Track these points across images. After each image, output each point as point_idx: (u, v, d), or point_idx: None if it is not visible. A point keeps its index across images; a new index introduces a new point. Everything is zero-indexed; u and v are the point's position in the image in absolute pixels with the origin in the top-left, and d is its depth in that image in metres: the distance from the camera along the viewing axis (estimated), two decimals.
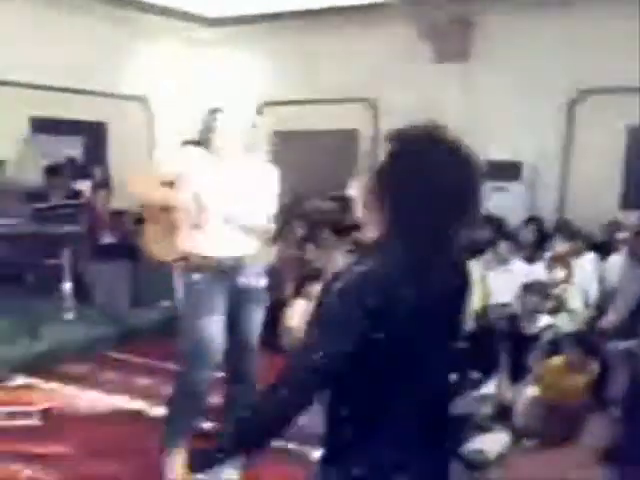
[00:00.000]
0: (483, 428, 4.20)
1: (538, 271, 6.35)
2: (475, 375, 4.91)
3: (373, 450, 1.64)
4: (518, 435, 4.28)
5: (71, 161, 8.66)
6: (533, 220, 7.67)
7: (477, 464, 3.87)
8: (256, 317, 3.96)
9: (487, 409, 4.41)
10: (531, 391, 4.58)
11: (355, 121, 10.40)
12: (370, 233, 1.67)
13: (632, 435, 4.09)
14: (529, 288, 5.31)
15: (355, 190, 1.69)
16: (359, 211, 1.69)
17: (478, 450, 3.91)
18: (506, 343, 5.03)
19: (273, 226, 3.88)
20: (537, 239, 7.25)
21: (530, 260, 6.60)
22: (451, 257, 1.70)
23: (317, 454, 3.77)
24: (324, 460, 1.75)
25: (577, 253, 6.48)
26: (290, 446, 4.19)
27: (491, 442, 3.99)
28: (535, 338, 5.41)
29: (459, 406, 4.39)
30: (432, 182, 1.57)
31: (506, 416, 4.38)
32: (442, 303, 1.67)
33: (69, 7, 9.28)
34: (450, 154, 1.61)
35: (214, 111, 3.77)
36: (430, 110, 8.92)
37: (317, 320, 1.60)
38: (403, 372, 1.61)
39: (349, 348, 1.56)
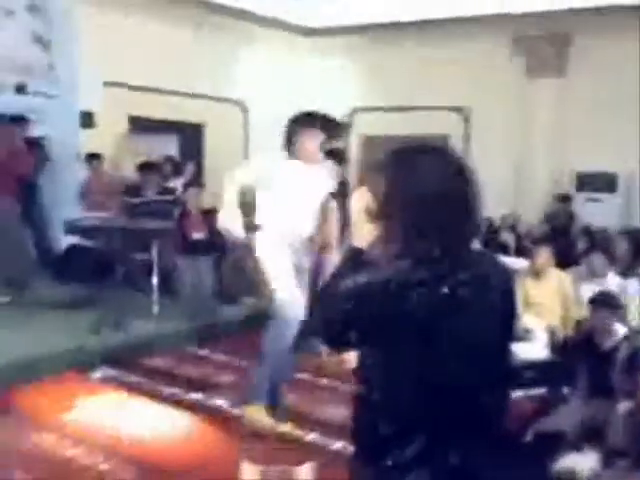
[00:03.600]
0: (574, 446, 4.03)
1: (633, 286, 6.09)
2: (565, 390, 4.74)
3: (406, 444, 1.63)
4: (610, 454, 4.10)
5: (169, 159, 8.84)
6: (628, 232, 7.38)
7: None
8: None
9: (577, 426, 4.23)
10: (623, 408, 4.38)
11: (446, 128, 10.31)
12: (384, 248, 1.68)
13: None
14: (597, 301, 4.97)
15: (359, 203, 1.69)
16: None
17: (570, 469, 3.77)
18: (586, 357, 4.80)
19: None
20: (632, 252, 6.97)
21: (624, 274, 6.34)
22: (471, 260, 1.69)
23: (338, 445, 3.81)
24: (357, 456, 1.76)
25: None
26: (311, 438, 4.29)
27: (583, 461, 3.83)
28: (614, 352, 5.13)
29: (549, 423, 4.26)
30: (437, 190, 1.63)
31: (595, 434, 4.20)
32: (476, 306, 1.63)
33: (176, 17, 9.71)
34: (448, 163, 1.69)
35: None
36: (522, 122, 8.76)
37: None
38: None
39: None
